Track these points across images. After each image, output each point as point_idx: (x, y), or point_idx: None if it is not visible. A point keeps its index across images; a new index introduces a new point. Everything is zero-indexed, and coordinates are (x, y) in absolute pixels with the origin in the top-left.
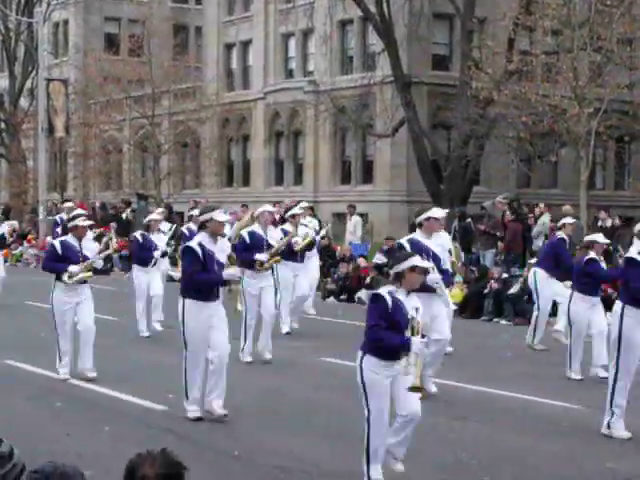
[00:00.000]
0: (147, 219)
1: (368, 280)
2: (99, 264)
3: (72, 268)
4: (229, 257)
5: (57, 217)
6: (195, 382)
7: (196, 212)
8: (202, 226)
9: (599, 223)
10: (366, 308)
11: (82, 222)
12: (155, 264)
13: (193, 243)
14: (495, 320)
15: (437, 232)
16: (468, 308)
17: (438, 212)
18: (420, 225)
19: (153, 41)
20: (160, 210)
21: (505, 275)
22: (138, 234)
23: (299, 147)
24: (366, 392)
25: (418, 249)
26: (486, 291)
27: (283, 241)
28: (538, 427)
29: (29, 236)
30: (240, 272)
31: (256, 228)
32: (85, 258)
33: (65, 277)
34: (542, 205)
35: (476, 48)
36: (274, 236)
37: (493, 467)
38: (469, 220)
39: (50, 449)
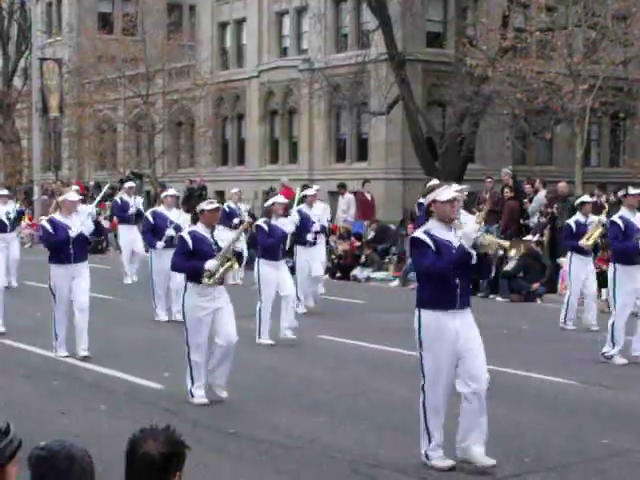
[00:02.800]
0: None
1: (363, 258)
2: (240, 247)
3: (209, 265)
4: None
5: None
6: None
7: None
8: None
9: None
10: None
11: (210, 205)
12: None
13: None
14: (491, 297)
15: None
16: None
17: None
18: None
19: (147, 20)
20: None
21: (501, 252)
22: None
23: (294, 125)
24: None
25: None
26: None
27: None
28: (534, 404)
29: (26, 216)
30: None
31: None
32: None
33: (205, 279)
34: (538, 181)
35: (470, 25)
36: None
37: (491, 442)
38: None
39: (47, 428)
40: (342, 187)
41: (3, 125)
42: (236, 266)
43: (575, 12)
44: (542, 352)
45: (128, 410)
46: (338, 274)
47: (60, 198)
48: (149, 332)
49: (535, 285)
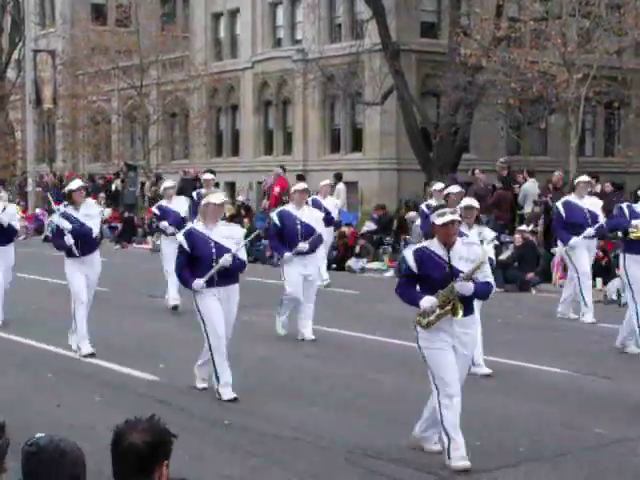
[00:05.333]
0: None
1: (358, 249)
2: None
3: (426, 302)
4: None
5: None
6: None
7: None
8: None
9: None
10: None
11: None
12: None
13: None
14: None
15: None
16: None
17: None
18: None
19: (140, 11)
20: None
21: (496, 242)
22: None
23: (288, 116)
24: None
25: None
26: None
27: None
28: (528, 393)
29: (19, 208)
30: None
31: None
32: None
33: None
34: (525, 172)
35: (465, 15)
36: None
37: (485, 432)
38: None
39: (42, 420)
40: (338, 178)
41: None
42: (460, 314)
43: (569, 1)
44: (536, 342)
45: (123, 402)
46: (333, 265)
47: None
48: (144, 324)
49: (530, 275)
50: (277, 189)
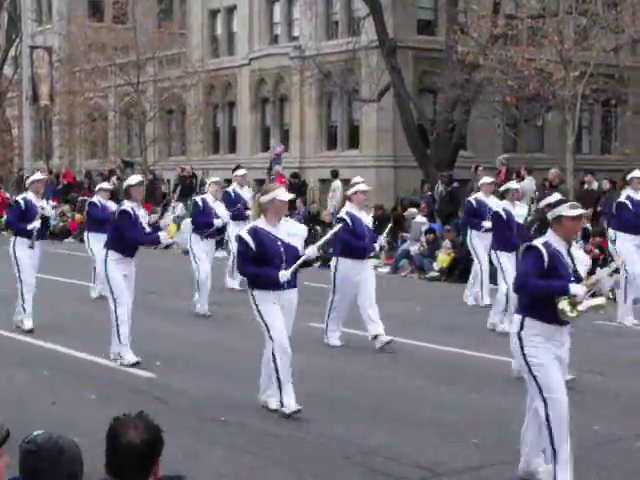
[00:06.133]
0: None
1: None
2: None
3: (575, 289)
4: None
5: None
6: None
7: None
8: None
9: (585, 187)
10: None
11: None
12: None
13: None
14: None
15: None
16: (455, 272)
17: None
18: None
19: (137, 8)
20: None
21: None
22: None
23: (285, 113)
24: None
25: None
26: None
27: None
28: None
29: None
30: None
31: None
32: None
33: (564, 304)
34: (523, 169)
35: (461, 12)
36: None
37: (481, 430)
38: (456, 185)
39: (38, 418)
40: (334, 175)
41: None
42: (602, 309)
43: None
44: None
45: (119, 399)
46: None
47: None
48: (141, 321)
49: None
50: None
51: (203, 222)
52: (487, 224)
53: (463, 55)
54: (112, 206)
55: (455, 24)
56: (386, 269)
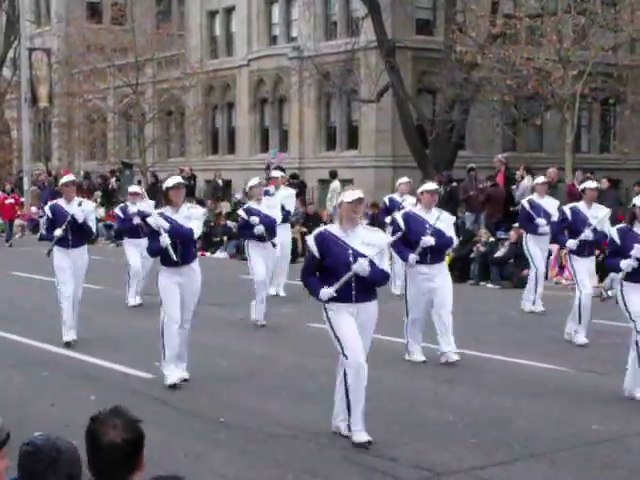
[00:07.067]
0: None
1: None
2: None
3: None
4: None
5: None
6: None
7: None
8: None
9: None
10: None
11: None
12: None
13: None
14: (481, 284)
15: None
16: (454, 272)
17: None
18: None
19: (136, 9)
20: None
21: (491, 239)
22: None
23: (284, 114)
24: None
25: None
26: (472, 255)
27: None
28: (525, 389)
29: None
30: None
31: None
32: None
33: None
34: (522, 168)
35: (460, 12)
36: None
37: (480, 429)
38: (455, 184)
39: (37, 419)
40: (333, 175)
41: None
42: None
43: None
44: (532, 338)
45: (118, 400)
46: None
47: None
48: (139, 322)
49: (525, 271)
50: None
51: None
52: (543, 222)
53: (462, 55)
54: (136, 210)
55: (453, 24)
56: None
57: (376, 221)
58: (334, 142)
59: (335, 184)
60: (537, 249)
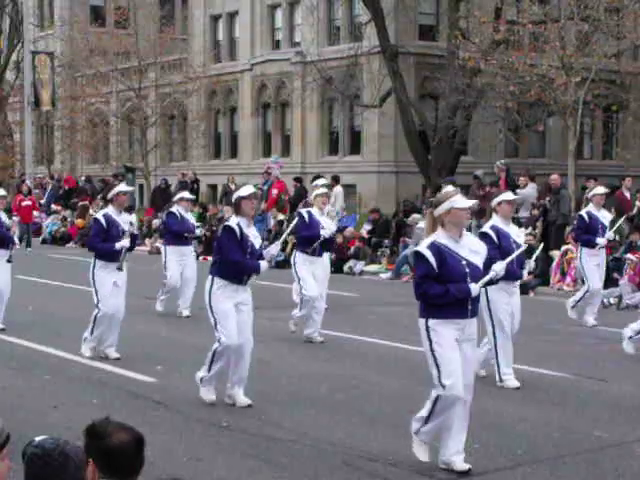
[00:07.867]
0: None
1: (352, 250)
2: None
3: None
4: None
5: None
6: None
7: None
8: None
9: (587, 192)
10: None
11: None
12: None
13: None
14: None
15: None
16: None
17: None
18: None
19: (139, 13)
20: None
21: None
22: None
23: (286, 118)
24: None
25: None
26: None
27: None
28: (526, 396)
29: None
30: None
31: None
32: None
33: None
34: (526, 176)
35: (463, 18)
36: None
37: (482, 435)
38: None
39: (39, 422)
40: (336, 180)
41: None
42: None
43: (568, 5)
44: (535, 345)
45: (120, 404)
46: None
47: None
48: (141, 326)
49: (528, 278)
50: (275, 191)
51: (307, 236)
52: (602, 241)
53: (464, 60)
54: (191, 218)
55: (456, 29)
56: (387, 274)
57: (379, 225)
58: (337, 147)
59: (337, 189)
60: (593, 266)
